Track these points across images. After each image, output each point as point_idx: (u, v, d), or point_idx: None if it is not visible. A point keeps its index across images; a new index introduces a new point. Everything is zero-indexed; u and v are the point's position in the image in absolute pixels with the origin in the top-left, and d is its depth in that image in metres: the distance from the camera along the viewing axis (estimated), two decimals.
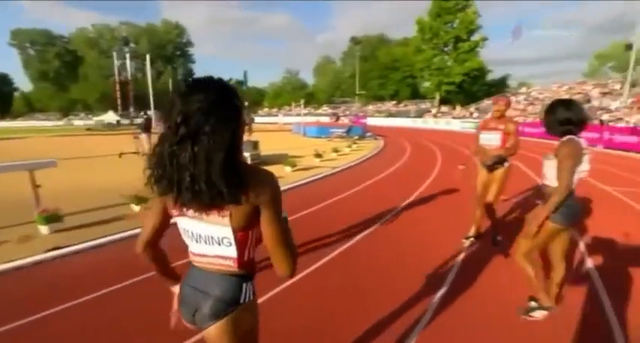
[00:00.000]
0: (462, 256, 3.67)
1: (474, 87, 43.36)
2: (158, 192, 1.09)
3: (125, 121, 34.64)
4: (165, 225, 1.23)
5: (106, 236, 4.23)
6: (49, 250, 3.79)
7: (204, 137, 0.98)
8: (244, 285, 1.16)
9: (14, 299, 2.94)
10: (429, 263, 3.49)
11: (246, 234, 1.11)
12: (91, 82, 66.12)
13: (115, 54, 43.02)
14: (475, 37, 40.24)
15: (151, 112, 43.00)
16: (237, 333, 1.15)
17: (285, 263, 1.12)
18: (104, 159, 10.85)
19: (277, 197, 1.09)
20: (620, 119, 17.02)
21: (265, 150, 10.71)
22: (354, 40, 47.66)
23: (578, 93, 25.48)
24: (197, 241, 1.16)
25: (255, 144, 9.60)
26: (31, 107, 72.64)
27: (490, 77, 48.63)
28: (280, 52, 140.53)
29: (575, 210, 2.39)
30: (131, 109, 39.76)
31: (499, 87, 50.61)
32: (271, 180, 1.08)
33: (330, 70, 70.02)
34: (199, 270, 1.20)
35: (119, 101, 39.30)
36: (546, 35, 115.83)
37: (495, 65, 68.29)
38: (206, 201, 1.02)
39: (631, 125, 14.78)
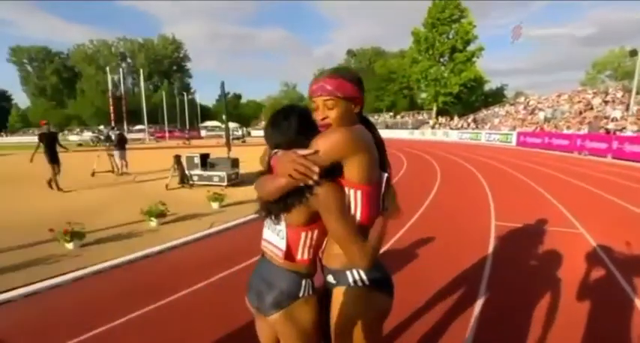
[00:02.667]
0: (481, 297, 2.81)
1: (471, 98, 42.89)
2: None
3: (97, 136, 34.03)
4: None
5: (8, 290, 3.35)
6: None
7: None
8: (304, 281, 1.31)
9: None
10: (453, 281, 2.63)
11: (297, 231, 1.27)
12: (88, 98, 65.76)
13: (108, 69, 42.57)
14: (471, 47, 39.95)
15: (144, 126, 42.65)
16: (297, 324, 1.29)
17: (354, 256, 1.19)
18: (75, 178, 9.98)
19: (330, 200, 1.18)
20: (625, 128, 16.24)
21: (249, 167, 9.83)
22: (350, 53, 47.39)
23: (579, 101, 24.79)
24: (268, 228, 1.37)
25: (234, 162, 8.71)
26: (27, 123, 72.09)
27: (487, 87, 48.24)
28: (278, 66, 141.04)
29: None
30: (125, 124, 39.25)
31: (496, 97, 50.23)
32: (325, 187, 1.19)
33: None
34: (266, 261, 1.37)
35: (112, 116, 38.68)
36: (541, 45, 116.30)
37: (491, 75, 68.11)
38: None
39: None
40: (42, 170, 8.57)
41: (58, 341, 2.48)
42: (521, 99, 35.94)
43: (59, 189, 8.29)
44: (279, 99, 77.12)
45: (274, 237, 1.33)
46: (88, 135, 39.55)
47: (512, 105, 34.57)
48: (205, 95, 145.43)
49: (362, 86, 1.28)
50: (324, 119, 1.22)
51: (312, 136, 1.21)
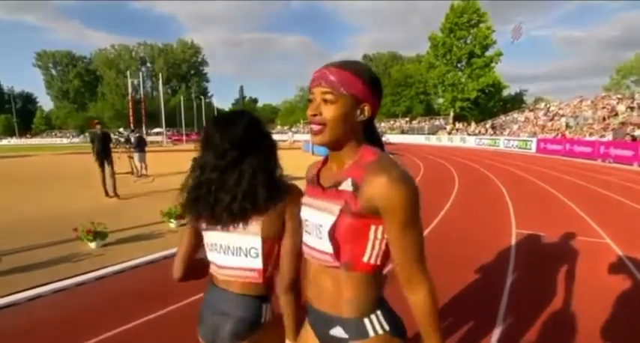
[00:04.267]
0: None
1: (489, 103, 42.33)
2: (192, 214, 1.18)
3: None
4: (198, 245, 1.26)
5: (36, 286, 3.42)
6: None
7: (247, 162, 1.10)
8: (264, 306, 1.18)
9: None
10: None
11: (272, 245, 1.15)
12: (108, 101, 67.58)
13: (128, 73, 43.67)
14: (490, 53, 39.44)
15: (162, 129, 43.47)
16: None
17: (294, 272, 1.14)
18: (96, 179, 10.18)
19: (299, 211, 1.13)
20: None
21: None
22: (366, 58, 47.39)
23: (603, 107, 24.14)
24: (225, 252, 1.18)
25: None
26: (50, 125, 74.53)
27: (506, 93, 47.49)
28: (294, 70, 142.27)
29: None
30: (143, 126, 40.15)
31: (515, 102, 49.43)
32: (298, 195, 1.14)
33: None
34: (219, 290, 1.20)
35: (131, 119, 39.60)
36: (562, 50, 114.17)
37: (509, 81, 67.21)
38: (238, 216, 1.10)
39: None
40: (65, 171, 8.73)
41: (85, 336, 2.52)
42: (542, 105, 35.25)
43: (107, 194, 7.75)
44: (294, 103, 77.70)
45: (239, 259, 1.15)
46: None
47: (531, 111, 33.92)
48: (222, 99, 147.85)
49: (377, 89, 0.98)
50: (315, 116, 0.93)
51: (264, 145, 1.14)
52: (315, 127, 0.94)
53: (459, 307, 2.97)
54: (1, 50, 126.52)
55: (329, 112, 0.91)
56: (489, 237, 4.94)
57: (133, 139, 11.67)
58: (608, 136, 18.18)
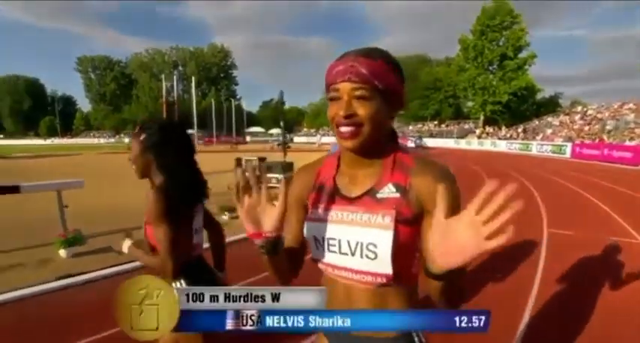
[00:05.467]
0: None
1: (521, 107, 41.29)
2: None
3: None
4: None
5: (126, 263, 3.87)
6: (61, 278, 3.49)
7: None
8: None
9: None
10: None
11: None
12: (142, 103, 70.44)
13: (163, 76, 45.51)
14: (523, 55, 38.56)
15: (193, 131, 44.94)
16: None
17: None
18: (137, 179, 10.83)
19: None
20: None
21: None
22: None
23: None
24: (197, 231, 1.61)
25: (289, 166, 9.20)
26: (89, 126, 78.49)
27: (540, 95, 46.12)
28: (320, 73, 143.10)
29: None
30: None
31: (549, 106, 47.88)
32: None
33: None
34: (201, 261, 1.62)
35: None
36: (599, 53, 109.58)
37: (544, 83, 65.24)
38: None
39: None
40: (116, 169, 9.26)
41: None
42: (578, 108, 34.09)
43: None
44: (320, 105, 78.29)
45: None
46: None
47: (567, 114, 32.88)
48: (248, 102, 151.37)
49: (404, 78, 0.86)
50: (350, 117, 0.78)
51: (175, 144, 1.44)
52: (347, 130, 0.79)
53: (488, 297, 3.19)
54: (44, 57, 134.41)
55: (365, 110, 0.78)
56: (520, 235, 5.06)
57: None
58: None
